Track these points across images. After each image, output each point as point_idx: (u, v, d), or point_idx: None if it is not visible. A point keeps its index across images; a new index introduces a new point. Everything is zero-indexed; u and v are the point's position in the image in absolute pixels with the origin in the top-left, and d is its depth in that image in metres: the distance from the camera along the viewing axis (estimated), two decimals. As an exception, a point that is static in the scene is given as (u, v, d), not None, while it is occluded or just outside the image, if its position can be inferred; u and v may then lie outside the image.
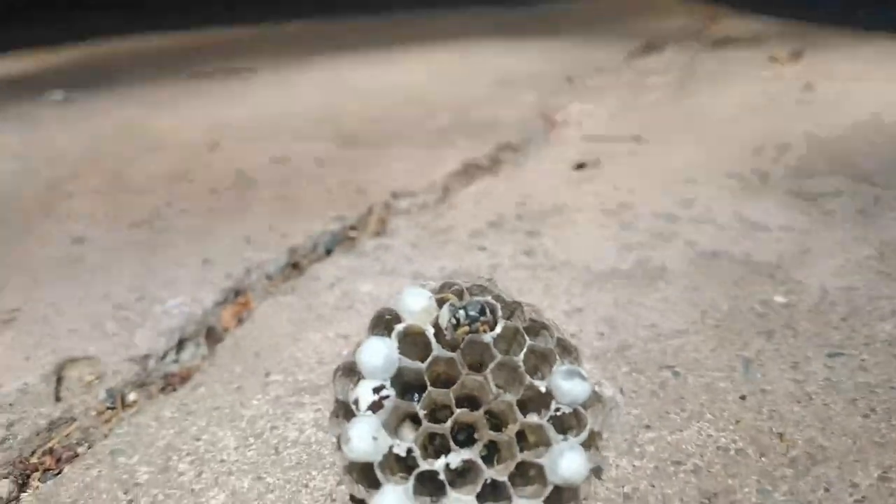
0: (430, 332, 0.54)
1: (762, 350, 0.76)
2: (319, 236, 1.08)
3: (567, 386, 0.52)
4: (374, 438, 0.51)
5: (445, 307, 0.54)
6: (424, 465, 0.52)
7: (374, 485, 0.52)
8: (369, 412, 0.52)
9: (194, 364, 0.83)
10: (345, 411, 0.55)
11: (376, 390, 0.53)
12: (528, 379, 0.53)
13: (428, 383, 0.54)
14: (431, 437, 0.54)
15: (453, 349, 0.54)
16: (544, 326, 0.56)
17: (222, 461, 0.65)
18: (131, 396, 0.78)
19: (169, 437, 0.69)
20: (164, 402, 0.75)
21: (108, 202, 1.28)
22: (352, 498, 0.58)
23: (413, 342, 0.55)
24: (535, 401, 0.54)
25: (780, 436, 0.64)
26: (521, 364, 0.53)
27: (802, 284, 0.88)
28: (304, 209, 1.18)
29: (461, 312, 0.53)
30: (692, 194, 1.17)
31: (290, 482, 0.62)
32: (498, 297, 0.56)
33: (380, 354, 0.53)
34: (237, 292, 0.95)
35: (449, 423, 0.53)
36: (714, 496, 0.57)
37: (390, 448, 0.52)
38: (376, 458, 0.51)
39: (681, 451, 0.63)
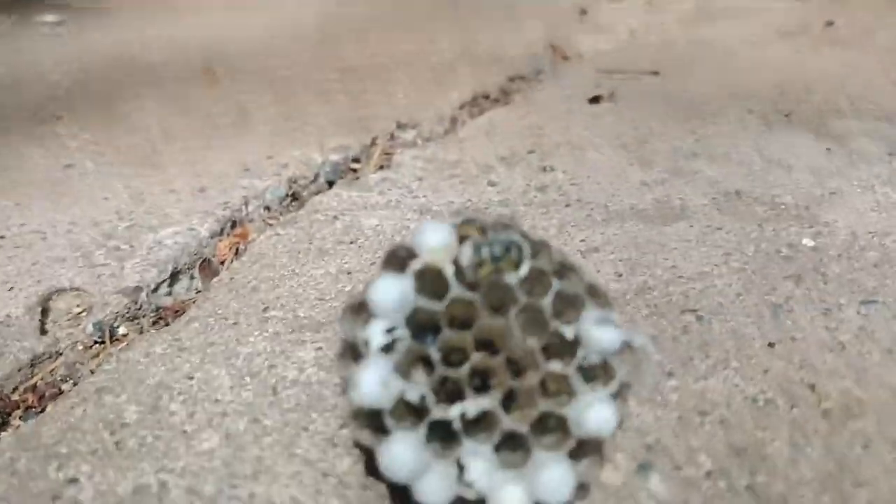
0: (449, 270, 0.49)
1: (791, 295, 0.71)
2: (320, 167, 1.03)
3: (598, 333, 0.47)
4: (385, 383, 0.46)
5: (467, 244, 0.48)
6: (438, 413, 0.48)
7: (383, 432, 0.48)
8: (380, 354, 0.48)
9: (188, 298, 0.79)
10: (352, 353, 0.50)
11: (388, 331, 0.48)
12: (553, 324, 0.49)
13: (444, 325, 0.49)
14: (443, 383, 0.50)
15: (473, 290, 0.49)
16: (573, 269, 0.51)
17: (216, 401, 0.61)
18: (120, 331, 0.74)
19: (160, 374, 0.65)
20: (156, 337, 0.71)
21: (99, 128, 1.22)
22: (356, 444, 0.54)
23: (430, 281, 0.50)
24: (560, 349, 0.49)
25: (812, 387, 0.60)
26: (546, 308, 0.49)
27: (831, 227, 0.83)
28: (304, 139, 1.12)
29: (485, 250, 0.48)
30: (712, 130, 1.11)
31: (288, 425, 0.58)
32: (524, 236, 0.51)
33: (394, 293, 0.48)
34: (234, 223, 0.90)
35: (465, 368, 0.48)
36: (743, 450, 0.54)
37: (402, 393, 0.47)
38: (386, 403, 0.47)
39: (706, 400, 0.59)
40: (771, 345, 0.65)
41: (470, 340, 0.49)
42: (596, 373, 0.49)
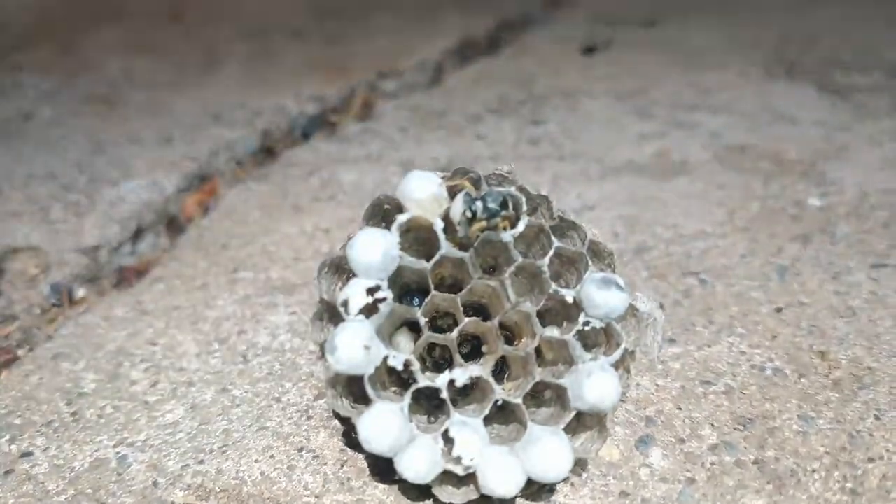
0: (439, 225, 0.44)
1: (798, 257, 0.67)
2: (296, 118, 0.96)
3: (601, 297, 0.43)
4: (366, 347, 0.42)
5: (459, 197, 0.43)
6: (424, 381, 0.43)
7: (363, 401, 0.43)
8: (361, 316, 0.43)
9: (152, 257, 0.73)
10: (331, 314, 0.46)
11: (370, 291, 0.43)
12: (552, 286, 0.44)
13: (431, 286, 0.44)
14: (431, 350, 0.46)
15: (465, 248, 0.44)
16: (574, 227, 0.46)
17: (181, 369, 0.57)
18: (79, 293, 0.68)
19: (120, 339, 0.60)
20: (117, 299, 0.66)
21: (58, 75, 1.14)
22: (334, 415, 0.50)
23: (416, 237, 0.45)
24: (559, 313, 0.45)
25: (822, 355, 0.56)
26: (545, 269, 0.44)
27: (839, 185, 0.79)
28: (278, 87, 1.05)
29: (478, 204, 0.42)
30: (714, 81, 1.06)
31: (259, 395, 0.54)
32: (522, 189, 0.45)
33: (377, 249, 0.43)
34: (202, 177, 0.84)
35: (454, 333, 0.44)
36: (749, 422, 0.50)
37: (384, 359, 0.43)
38: (367, 370, 0.42)
39: (710, 369, 0.55)
40: (778, 310, 0.61)
41: (460, 304, 0.44)
42: (598, 339, 0.44)
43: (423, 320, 0.44)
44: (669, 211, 0.74)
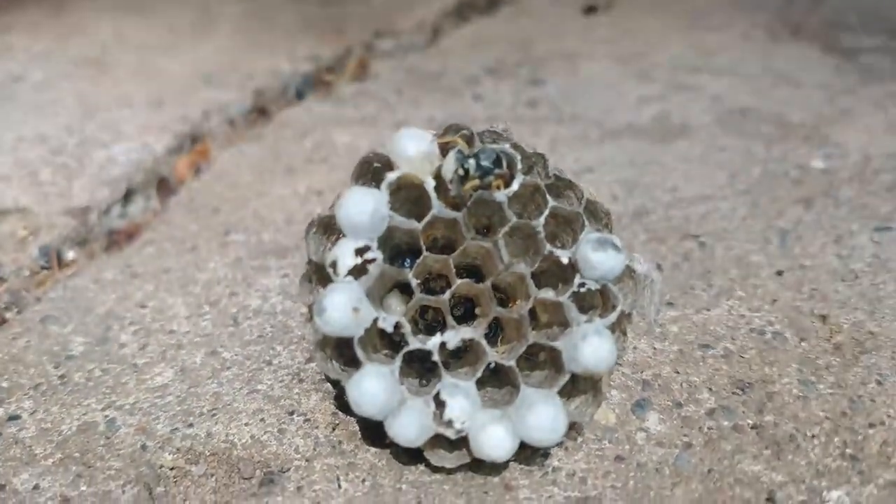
0: (430, 184, 0.43)
1: (800, 220, 0.66)
2: (290, 78, 0.94)
3: (597, 258, 0.42)
4: (355, 309, 0.41)
5: (451, 154, 0.42)
6: (415, 343, 0.42)
7: (353, 363, 0.43)
8: (350, 278, 0.42)
9: (143, 219, 0.72)
10: (319, 275, 0.44)
11: (359, 252, 0.42)
12: (547, 247, 0.43)
13: (423, 247, 0.43)
14: (423, 312, 0.45)
15: (457, 208, 0.43)
16: (570, 186, 0.45)
17: (171, 332, 0.56)
18: (69, 255, 0.67)
19: (110, 302, 0.59)
20: (107, 262, 0.65)
21: (49, 37, 1.11)
22: (326, 378, 0.49)
23: (407, 196, 0.44)
24: (553, 274, 0.44)
25: (824, 318, 0.55)
26: (540, 229, 0.43)
27: (842, 148, 0.77)
28: (272, 46, 1.03)
29: (471, 162, 0.41)
30: (715, 43, 1.03)
31: (249, 358, 0.53)
32: (516, 147, 0.44)
33: (366, 207, 0.42)
34: (194, 139, 0.82)
35: (447, 295, 0.43)
36: (748, 386, 0.49)
37: (374, 322, 0.42)
38: (356, 332, 0.41)
39: (709, 332, 0.54)
40: (779, 273, 0.59)
41: (452, 265, 0.43)
42: (594, 301, 0.43)
43: (414, 282, 0.43)
44: (669, 174, 0.73)
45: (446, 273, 0.43)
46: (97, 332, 0.56)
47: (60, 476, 0.44)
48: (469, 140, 0.44)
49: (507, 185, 0.42)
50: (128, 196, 0.74)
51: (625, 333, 0.44)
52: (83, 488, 0.43)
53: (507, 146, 0.43)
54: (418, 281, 0.43)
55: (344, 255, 0.42)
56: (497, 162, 0.42)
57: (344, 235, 0.43)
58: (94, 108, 0.88)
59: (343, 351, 0.43)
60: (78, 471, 0.44)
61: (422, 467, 0.44)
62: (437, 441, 0.42)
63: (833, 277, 0.59)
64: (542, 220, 0.43)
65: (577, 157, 0.76)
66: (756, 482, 0.43)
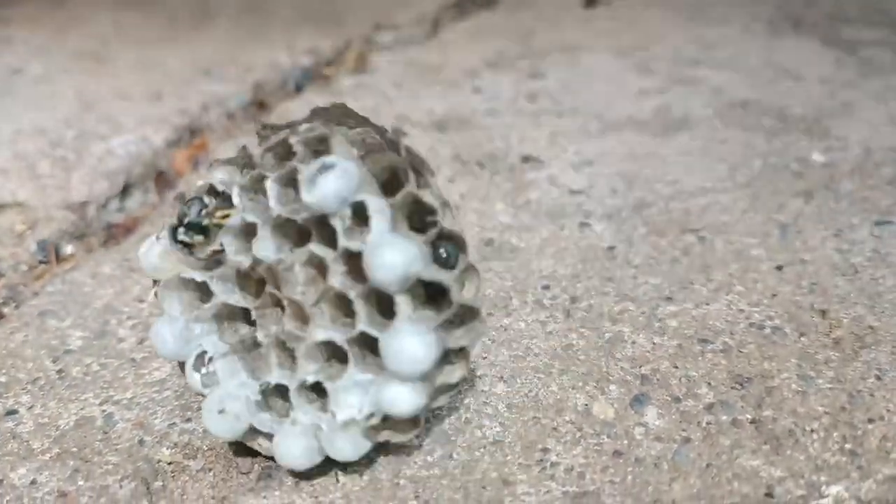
0: (189, 271, 0.43)
1: (800, 214, 0.66)
2: (289, 71, 0.94)
3: (313, 196, 0.38)
4: (221, 412, 0.43)
5: (166, 238, 0.43)
6: (281, 378, 0.43)
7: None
8: (207, 389, 0.44)
9: (141, 213, 0.72)
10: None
11: (197, 365, 0.44)
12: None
13: (252, 310, 0.44)
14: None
15: (211, 266, 0.43)
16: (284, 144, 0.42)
17: (169, 327, 0.55)
18: (67, 249, 0.67)
19: (108, 297, 0.59)
20: (105, 256, 0.65)
21: (48, 30, 1.11)
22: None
23: (195, 287, 0.45)
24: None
25: (823, 313, 0.55)
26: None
27: (843, 141, 0.77)
28: (271, 39, 1.03)
29: (180, 231, 0.42)
30: (716, 36, 1.03)
31: (248, 353, 0.53)
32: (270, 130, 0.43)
33: (167, 338, 0.44)
34: (193, 132, 0.82)
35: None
36: (748, 381, 0.49)
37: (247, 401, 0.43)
38: (240, 427, 0.42)
39: (708, 327, 0.54)
40: (779, 267, 0.59)
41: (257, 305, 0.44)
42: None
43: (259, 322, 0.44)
44: (669, 167, 0.73)
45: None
46: (95, 326, 0.56)
47: (58, 471, 0.44)
48: (184, 208, 0.43)
49: (231, 206, 0.42)
50: (126, 190, 0.73)
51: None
52: (81, 483, 0.43)
53: (198, 194, 0.43)
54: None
55: (190, 377, 0.44)
56: (201, 209, 0.42)
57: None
58: (92, 102, 0.87)
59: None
60: (75, 465, 0.44)
61: (420, 462, 0.44)
62: (377, 428, 0.42)
63: (833, 272, 0.59)
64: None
65: (578, 149, 0.76)
66: (755, 477, 0.43)
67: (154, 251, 0.44)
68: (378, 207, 0.39)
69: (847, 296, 0.56)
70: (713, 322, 0.54)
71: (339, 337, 0.41)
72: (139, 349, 0.54)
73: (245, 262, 0.43)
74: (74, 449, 0.46)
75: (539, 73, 0.94)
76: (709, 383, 0.49)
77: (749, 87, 0.89)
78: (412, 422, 0.42)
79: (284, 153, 0.41)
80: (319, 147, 0.41)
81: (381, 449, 0.44)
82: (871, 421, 0.46)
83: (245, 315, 0.45)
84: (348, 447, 0.41)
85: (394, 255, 0.38)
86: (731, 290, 0.57)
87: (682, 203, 0.67)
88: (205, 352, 0.44)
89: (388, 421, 0.41)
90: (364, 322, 0.40)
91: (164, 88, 0.90)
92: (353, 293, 0.40)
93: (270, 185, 0.41)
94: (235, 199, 0.42)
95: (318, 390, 0.43)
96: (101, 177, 0.73)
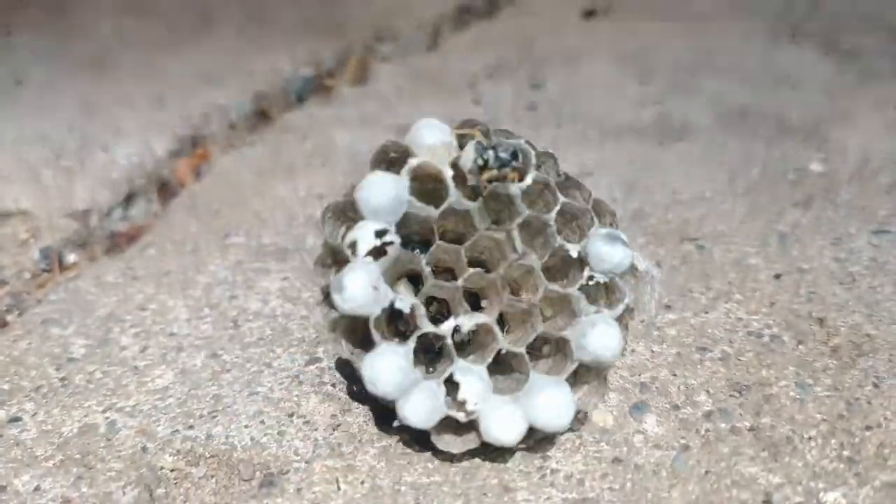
0: (449, 174, 0.43)
1: (798, 223, 0.66)
2: (290, 80, 0.94)
3: (608, 251, 0.43)
4: (374, 288, 0.41)
5: (470, 145, 0.42)
6: (428, 327, 0.42)
7: (363, 346, 0.43)
8: (369, 258, 0.42)
9: (144, 222, 0.72)
10: (335, 258, 0.45)
11: (379, 234, 0.42)
12: (558, 240, 0.43)
13: (437, 235, 0.43)
14: (429, 304, 0.45)
15: (473, 198, 0.44)
16: (577, 186, 0.46)
17: (172, 335, 0.56)
18: (70, 258, 0.67)
19: (111, 305, 0.59)
20: (108, 264, 0.65)
21: (50, 37, 1.12)
22: (336, 364, 0.49)
23: (423, 186, 0.44)
24: (559, 270, 0.44)
25: (821, 321, 0.55)
26: (551, 223, 0.44)
27: (842, 150, 0.78)
28: (273, 49, 1.03)
29: (490, 153, 0.42)
30: (716, 43, 1.04)
31: (250, 361, 0.53)
32: (529, 144, 0.45)
33: (387, 191, 0.42)
34: (195, 141, 0.83)
35: (459, 282, 0.43)
36: (746, 388, 0.49)
37: (391, 303, 0.42)
38: (374, 310, 0.41)
39: (706, 335, 0.54)
40: (777, 276, 0.60)
41: (464, 255, 0.43)
42: (598, 296, 0.44)
43: (426, 269, 0.43)
44: (668, 175, 0.73)
45: (454, 266, 0.44)
46: (98, 334, 0.56)
47: (61, 477, 0.44)
48: (486, 134, 0.44)
49: (522, 179, 0.43)
50: (129, 198, 0.74)
51: (627, 328, 0.45)
52: (84, 490, 0.44)
53: (521, 141, 0.44)
54: (430, 269, 0.44)
55: (364, 236, 0.42)
56: (514, 155, 0.43)
57: (363, 218, 0.43)
58: (95, 109, 0.88)
59: (355, 331, 0.43)
60: (79, 472, 0.45)
61: (420, 468, 0.44)
62: (445, 426, 0.42)
63: (831, 280, 0.59)
64: (553, 214, 0.44)
65: (577, 157, 0.77)
66: (753, 484, 0.43)
67: (438, 135, 0.43)
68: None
69: (845, 304, 0.56)
70: (712, 330, 0.54)
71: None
72: (142, 357, 0.54)
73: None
74: (78, 456, 0.46)
75: (539, 81, 0.94)
76: (707, 391, 0.49)
77: (748, 95, 0.89)
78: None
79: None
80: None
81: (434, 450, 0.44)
82: (868, 428, 0.46)
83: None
84: (424, 410, 0.42)
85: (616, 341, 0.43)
86: (730, 298, 0.57)
87: (680, 211, 0.68)
88: (389, 231, 0.43)
89: None
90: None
91: (166, 96, 0.90)
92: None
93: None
94: (529, 178, 0.43)
95: (434, 360, 0.44)
96: (103, 185, 0.74)
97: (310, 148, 0.81)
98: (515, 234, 0.43)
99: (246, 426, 0.48)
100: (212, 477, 0.44)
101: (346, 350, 0.43)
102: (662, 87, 0.92)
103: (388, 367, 0.41)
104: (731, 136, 0.80)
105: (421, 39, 1.08)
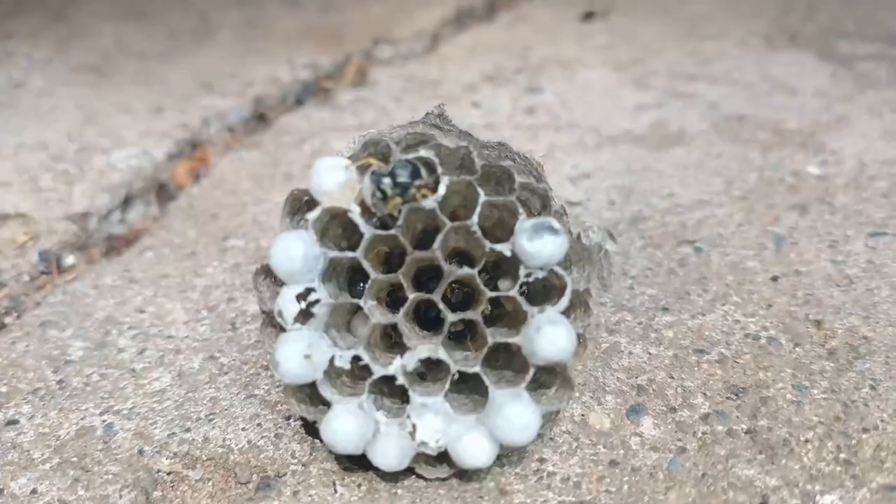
0: (356, 211, 0.42)
1: (795, 226, 0.66)
2: (289, 85, 0.95)
3: (534, 247, 0.41)
4: (307, 357, 0.41)
5: (366, 178, 0.41)
6: (378, 372, 0.42)
7: (322, 402, 0.43)
8: (297, 325, 0.42)
9: (142, 225, 0.72)
10: (272, 323, 0.45)
11: (301, 297, 0.42)
12: (487, 245, 0.42)
13: (371, 271, 0.43)
14: (386, 329, 0.45)
15: (389, 226, 0.43)
16: (504, 171, 0.43)
17: (170, 337, 0.56)
18: (69, 260, 0.67)
19: (109, 308, 0.59)
20: (106, 267, 0.65)
21: (50, 43, 1.12)
22: (302, 423, 0.49)
23: (341, 224, 0.44)
24: (507, 269, 0.43)
25: (818, 324, 0.55)
26: (475, 227, 0.42)
27: (838, 155, 0.78)
28: (271, 54, 1.04)
29: (386, 181, 0.40)
30: (713, 50, 1.04)
31: (247, 363, 0.53)
32: (438, 146, 0.43)
33: (295, 253, 0.42)
34: (193, 145, 0.83)
35: (401, 312, 0.43)
36: (743, 391, 0.49)
37: (331, 361, 0.42)
38: (315, 376, 0.42)
39: (703, 338, 0.54)
40: (774, 279, 0.60)
41: (403, 280, 0.43)
42: (547, 289, 0.43)
43: (369, 304, 0.43)
44: (666, 181, 0.73)
45: (405, 285, 0.43)
46: (96, 336, 0.56)
47: (58, 480, 0.44)
48: (385, 156, 0.43)
49: (434, 191, 0.41)
50: (127, 202, 0.74)
51: (588, 309, 0.44)
52: (81, 493, 0.44)
53: (422, 152, 0.42)
54: (374, 302, 0.43)
55: (286, 303, 0.42)
56: (415, 173, 0.41)
57: (283, 283, 0.43)
58: (94, 115, 0.88)
59: (312, 392, 0.43)
60: (76, 475, 0.45)
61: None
62: (422, 456, 0.43)
63: (828, 283, 0.59)
64: (475, 218, 0.42)
65: (575, 163, 0.77)
66: (750, 486, 0.43)
67: (335, 177, 0.42)
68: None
69: (842, 306, 0.57)
70: (709, 333, 0.54)
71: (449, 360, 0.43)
72: (139, 359, 0.54)
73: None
74: (75, 458, 0.46)
75: (537, 87, 0.95)
76: (704, 393, 0.49)
77: (745, 101, 0.89)
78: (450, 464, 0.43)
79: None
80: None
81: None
82: (865, 430, 0.46)
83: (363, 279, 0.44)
84: (393, 455, 0.42)
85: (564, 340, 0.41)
86: (727, 301, 0.57)
87: (678, 216, 0.68)
88: (313, 289, 0.42)
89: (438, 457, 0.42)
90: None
91: (164, 102, 0.90)
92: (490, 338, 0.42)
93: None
94: (441, 188, 0.41)
95: (400, 393, 0.43)
96: (102, 189, 0.74)
97: (308, 151, 0.81)
98: (439, 252, 0.42)
99: (243, 429, 0.48)
100: (208, 480, 0.44)
101: (308, 412, 0.44)
102: (659, 93, 0.92)
103: (343, 428, 0.41)
104: (727, 141, 0.81)
105: (419, 44, 1.08)
